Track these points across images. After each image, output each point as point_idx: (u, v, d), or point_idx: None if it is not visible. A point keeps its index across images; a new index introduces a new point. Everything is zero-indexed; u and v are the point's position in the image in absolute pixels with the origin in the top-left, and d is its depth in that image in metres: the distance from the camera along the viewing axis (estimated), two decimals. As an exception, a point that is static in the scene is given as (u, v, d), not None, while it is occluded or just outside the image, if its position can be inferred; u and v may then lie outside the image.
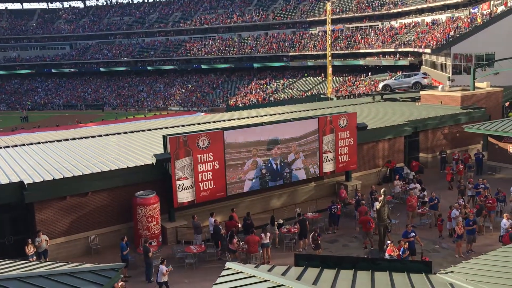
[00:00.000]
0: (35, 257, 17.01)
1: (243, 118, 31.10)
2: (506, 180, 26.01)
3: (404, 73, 52.05)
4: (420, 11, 68.16)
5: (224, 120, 30.48)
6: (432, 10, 65.51)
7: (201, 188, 20.21)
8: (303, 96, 69.18)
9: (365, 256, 17.69)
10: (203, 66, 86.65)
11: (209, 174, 20.30)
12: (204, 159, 20.08)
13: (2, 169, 20.02)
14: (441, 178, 27.14)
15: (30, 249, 17.08)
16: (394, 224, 20.19)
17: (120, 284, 14.04)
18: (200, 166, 20.02)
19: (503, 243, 16.97)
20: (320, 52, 74.35)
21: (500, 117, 34.47)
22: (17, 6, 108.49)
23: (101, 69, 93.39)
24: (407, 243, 16.61)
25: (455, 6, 60.49)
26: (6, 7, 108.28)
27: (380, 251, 18.35)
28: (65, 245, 18.80)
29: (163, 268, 15.62)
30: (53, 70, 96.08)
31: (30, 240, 17.29)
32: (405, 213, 21.46)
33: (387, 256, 16.15)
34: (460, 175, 26.16)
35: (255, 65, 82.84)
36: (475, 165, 28.05)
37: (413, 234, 17.36)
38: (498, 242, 18.06)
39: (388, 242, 17.21)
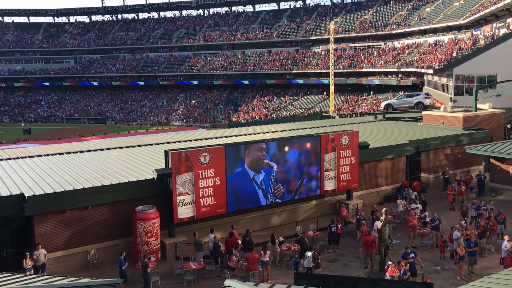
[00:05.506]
0: (32, 271, 16.88)
1: (245, 135, 31.11)
2: (508, 202, 25.91)
3: (406, 93, 52.33)
4: (423, 32, 68.70)
5: (226, 136, 30.51)
6: (434, 31, 66.04)
7: (202, 204, 20.13)
8: (305, 114, 69.37)
9: (366, 276, 17.54)
10: (206, 82, 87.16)
11: (210, 190, 20.24)
12: (205, 174, 20.04)
13: (2, 181, 20.01)
14: (442, 199, 27.00)
15: (28, 263, 16.96)
16: (395, 244, 20.04)
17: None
18: (201, 182, 19.97)
19: (504, 266, 16.82)
20: (323, 71, 74.82)
21: (502, 138, 34.48)
22: (23, 19, 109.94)
23: (105, 83, 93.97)
24: (407, 264, 16.47)
25: (458, 28, 60.95)
26: (13, 21, 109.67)
27: (380, 271, 18.19)
28: (64, 259, 18.67)
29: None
30: (57, 83, 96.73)
31: (28, 253, 17.19)
32: (406, 233, 21.32)
33: (388, 277, 16.00)
34: (462, 196, 26.08)
35: (258, 82, 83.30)
36: (477, 187, 27.95)
37: (412, 255, 17.21)
38: (499, 265, 17.90)
39: (390, 262, 17.07)
